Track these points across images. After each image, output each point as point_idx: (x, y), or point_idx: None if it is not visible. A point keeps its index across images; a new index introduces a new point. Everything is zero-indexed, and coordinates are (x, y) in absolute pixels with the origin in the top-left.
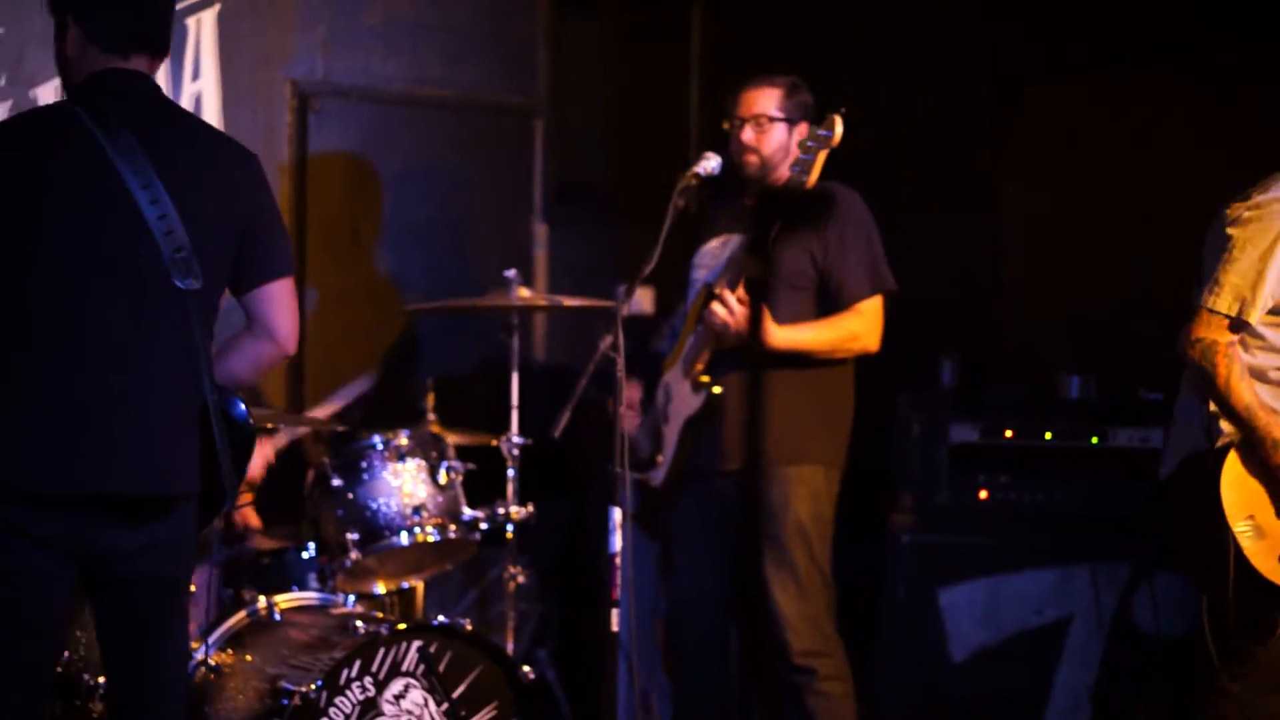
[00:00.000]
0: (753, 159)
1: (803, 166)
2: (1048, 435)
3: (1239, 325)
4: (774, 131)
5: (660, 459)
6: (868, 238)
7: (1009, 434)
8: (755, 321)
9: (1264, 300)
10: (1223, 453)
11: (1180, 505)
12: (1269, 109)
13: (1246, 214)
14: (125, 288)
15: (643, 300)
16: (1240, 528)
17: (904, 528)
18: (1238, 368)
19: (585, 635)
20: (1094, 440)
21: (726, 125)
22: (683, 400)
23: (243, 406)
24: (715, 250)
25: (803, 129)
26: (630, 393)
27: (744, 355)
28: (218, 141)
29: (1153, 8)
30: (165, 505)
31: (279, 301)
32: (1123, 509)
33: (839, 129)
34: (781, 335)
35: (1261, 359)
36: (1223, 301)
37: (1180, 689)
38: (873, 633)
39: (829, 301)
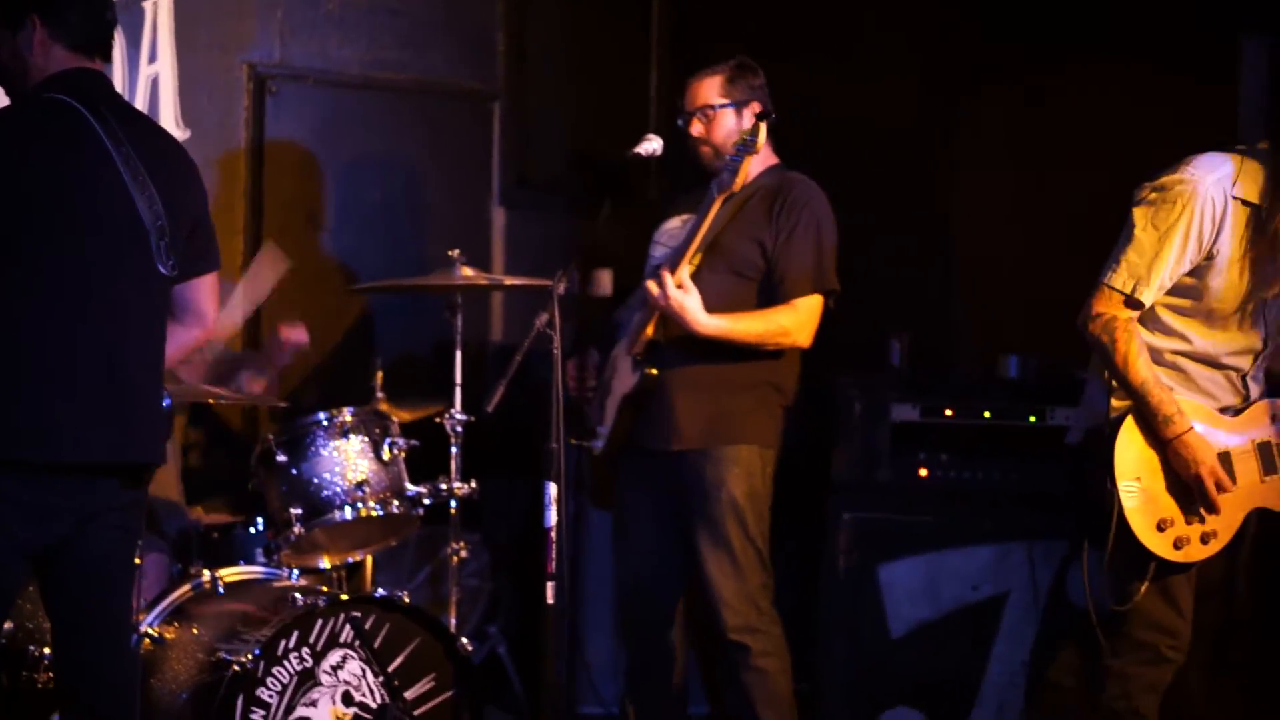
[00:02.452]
0: (705, 150)
1: (730, 169)
2: (987, 414)
3: (1132, 301)
4: (720, 119)
5: (600, 429)
6: (817, 234)
7: (949, 413)
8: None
9: (1159, 281)
10: (1119, 419)
11: (1084, 473)
12: (1213, 96)
13: (1151, 195)
14: (131, 272)
15: (603, 282)
16: (1125, 487)
17: (845, 505)
18: (1135, 343)
19: (536, 610)
20: (1031, 419)
21: (680, 122)
22: (622, 376)
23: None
24: (674, 229)
25: (755, 108)
26: (586, 362)
27: (689, 341)
28: (169, 138)
29: None
30: (149, 472)
31: (212, 292)
32: (1059, 487)
33: (762, 135)
34: (709, 323)
35: (1159, 341)
36: (1119, 278)
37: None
38: (814, 609)
39: (771, 292)
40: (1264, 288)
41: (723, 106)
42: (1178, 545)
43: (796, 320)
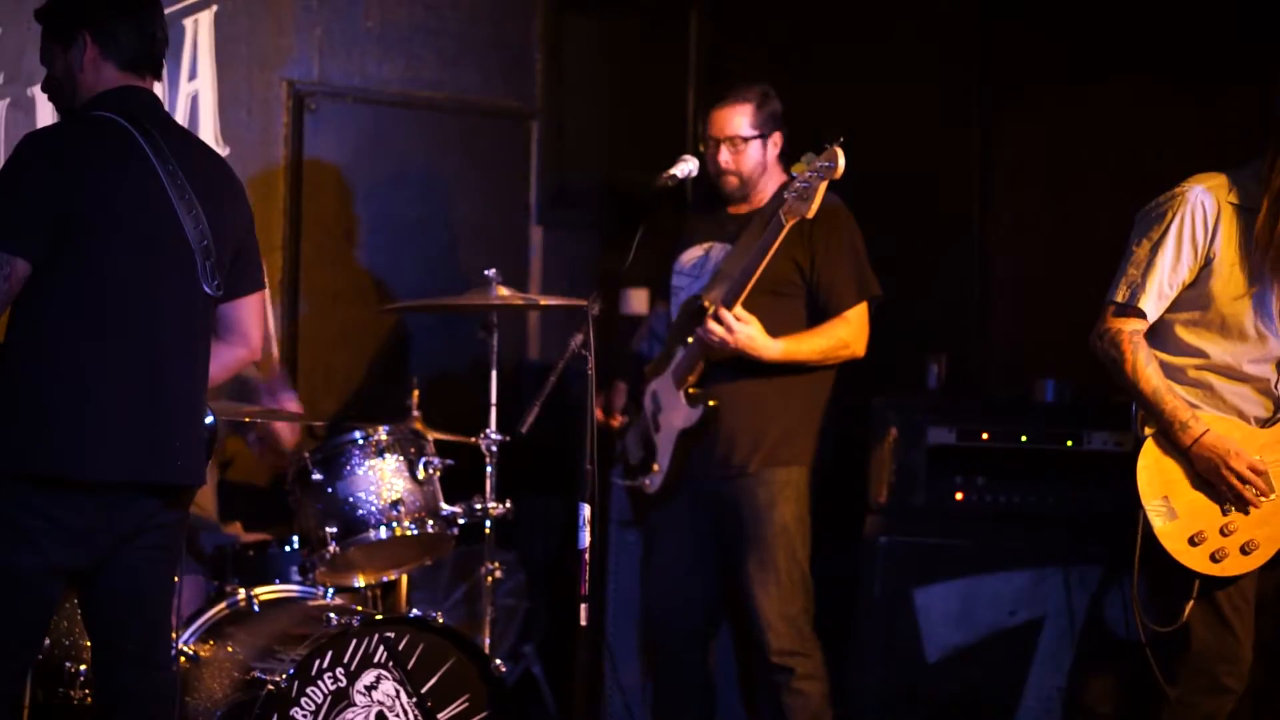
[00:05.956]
0: (732, 180)
1: (801, 194)
2: (1023, 438)
3: (1134, 312)
4: (749, 150)
5: (656, 467)
6: (853, 245)
7: (985, 437)
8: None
9: (1157, 287)
10: (1141, 442)
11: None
12: (1255, 114)
13: (1143, 214)
14: (175, 291)
15: (637, 301)
16: (1152, 505)
17: (881, 529)
18: (1143, 354)
19: (571, 630)
20: (1068, 443)
21: (702, 147)
22: (676, 412)
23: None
24: (697, 258)
25: (777, 139)
26: (614, 397)
27: (736, 361)
28: (217, 157)
29: (1141, 14)
30: (190, 493)
31: (258, 312)
32: (1096, 511)
33: (841, 161)
34: (778, 348)
35: (1179, 360)
36: (1119, 292)
37: (1148, 691)
38: (849, 632)
39: (818, 309)
40: (1273, 284)
41: (752, 138)
42: (1215, 558)
43: (852, 331)
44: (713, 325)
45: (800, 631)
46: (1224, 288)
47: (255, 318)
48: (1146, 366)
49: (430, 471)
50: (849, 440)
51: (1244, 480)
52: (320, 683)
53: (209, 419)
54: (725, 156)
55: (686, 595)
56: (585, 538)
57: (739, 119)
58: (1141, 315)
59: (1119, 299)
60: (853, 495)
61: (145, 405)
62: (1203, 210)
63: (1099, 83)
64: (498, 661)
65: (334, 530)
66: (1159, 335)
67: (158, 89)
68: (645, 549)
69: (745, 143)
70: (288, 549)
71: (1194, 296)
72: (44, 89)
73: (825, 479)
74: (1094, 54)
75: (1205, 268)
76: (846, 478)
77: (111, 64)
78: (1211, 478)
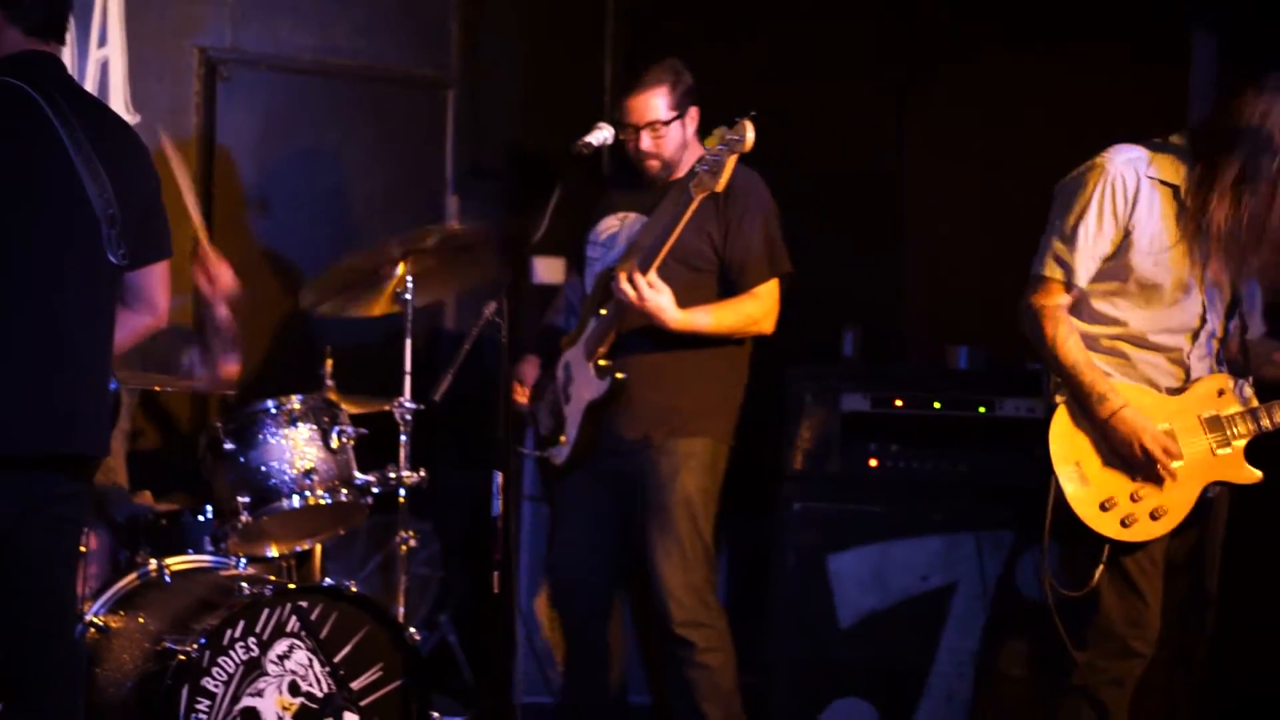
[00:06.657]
0: (655, 164)
1: (712, 167)
2: (937, 405)
3: (1060, 286)
4: (670, 133)
5: (564, 438)
6: (765, 220)
7: (899, 403)
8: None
9: (1085, 259)
10: (1053, 409)
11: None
12: (1175, 89)
13: (1062, 186)
14: (80, 260)
15: (553, 270)
16: (1064, 471)
17: (795, 495)
18: (1064, 328)
19: (486, 598)
20: (981, 410)
21: (622, 135)
22: (585, 383)
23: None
24: (612, 230)
25: (694, 113)
26: (528, 369)
27: (645, 334)
28: (123, 124)
29: None
30: (94, 464)
31: (164, 279)
32: (1008, 477)
33: (749, 135)
34: (681, 317)
35: (1095, 329)
36: (1048, 266)
37: (1060, 654)
38: (763, 599)
39: (729, 284)
40: (1197, 268)
41: (672, 120)
42: (1125, 524)
43: (762, 308)
44: (625, 286)
45: (704, 601)
46: (1144, 262)
47: (162, 285)
48: (1067, 340)
49: (344, 440)
50: (765, 409)
51: (1156, 460)
52: (232, 653)
53: (112, 386)
54: (647, 143)
55: (589, 569)
56: (498, 505)
57: (656, 102)
58: (1067, 288)
59: (1044, 272)
60: (767, 463)
61: (54, 377)
62: (1123, 181)
63: (1019, 55)
64: (412, 630)
65: (246, 500)
66: (1074, 304)
67: (65, 55)
68: (551, 524)
69: (665, 126)
70: (200, 519)
71: (1113, 268)
72: None
73: (742, 447)
74: (1016, 26)
75: (1125, 239)
76: (761, 445)
77: (16, 30)
78: (1124, 452)
